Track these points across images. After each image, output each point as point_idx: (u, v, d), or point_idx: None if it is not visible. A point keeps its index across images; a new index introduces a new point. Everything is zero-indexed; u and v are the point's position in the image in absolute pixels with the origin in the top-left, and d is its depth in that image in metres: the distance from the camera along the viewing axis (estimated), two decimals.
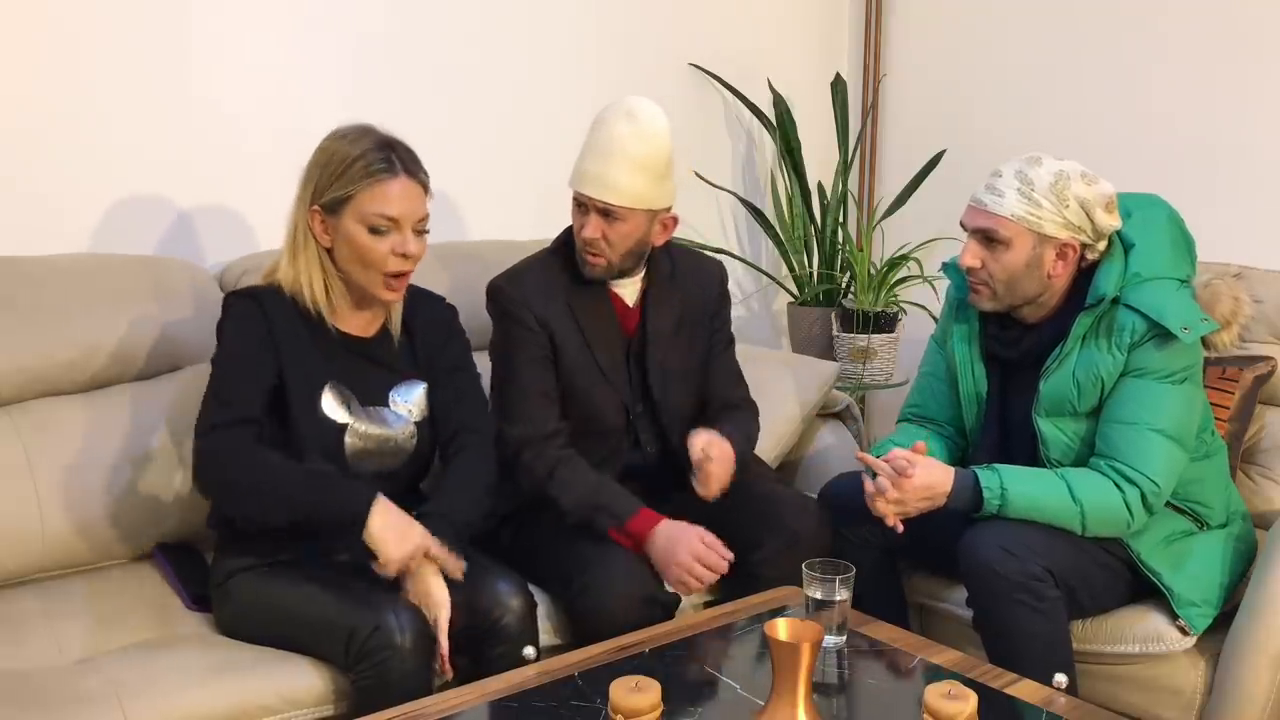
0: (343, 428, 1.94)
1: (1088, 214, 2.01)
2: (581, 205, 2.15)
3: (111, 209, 2.42)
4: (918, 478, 2.02)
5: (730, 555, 2.08)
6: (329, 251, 1.93)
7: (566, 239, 2.26)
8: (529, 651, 1.75)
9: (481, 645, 1.85)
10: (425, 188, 1.94)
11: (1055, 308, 2.10)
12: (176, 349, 2.26)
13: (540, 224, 2.61)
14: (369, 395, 1.99)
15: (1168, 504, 2.12)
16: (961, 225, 2.10)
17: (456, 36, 2.86)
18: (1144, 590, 2.07)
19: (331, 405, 1.94)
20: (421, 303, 2.09)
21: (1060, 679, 1.66)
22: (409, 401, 2.03)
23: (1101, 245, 2.06)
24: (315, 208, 1.91)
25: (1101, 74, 3.09)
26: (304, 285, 1.93)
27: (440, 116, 2.83)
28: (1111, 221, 2.03)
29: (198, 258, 2.48)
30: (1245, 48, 2.83)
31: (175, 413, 2.19)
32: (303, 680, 1.81)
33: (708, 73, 3.32)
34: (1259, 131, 2.83)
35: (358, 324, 2.00)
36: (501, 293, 2.22)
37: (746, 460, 2.27)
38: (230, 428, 1.85)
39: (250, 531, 1.90)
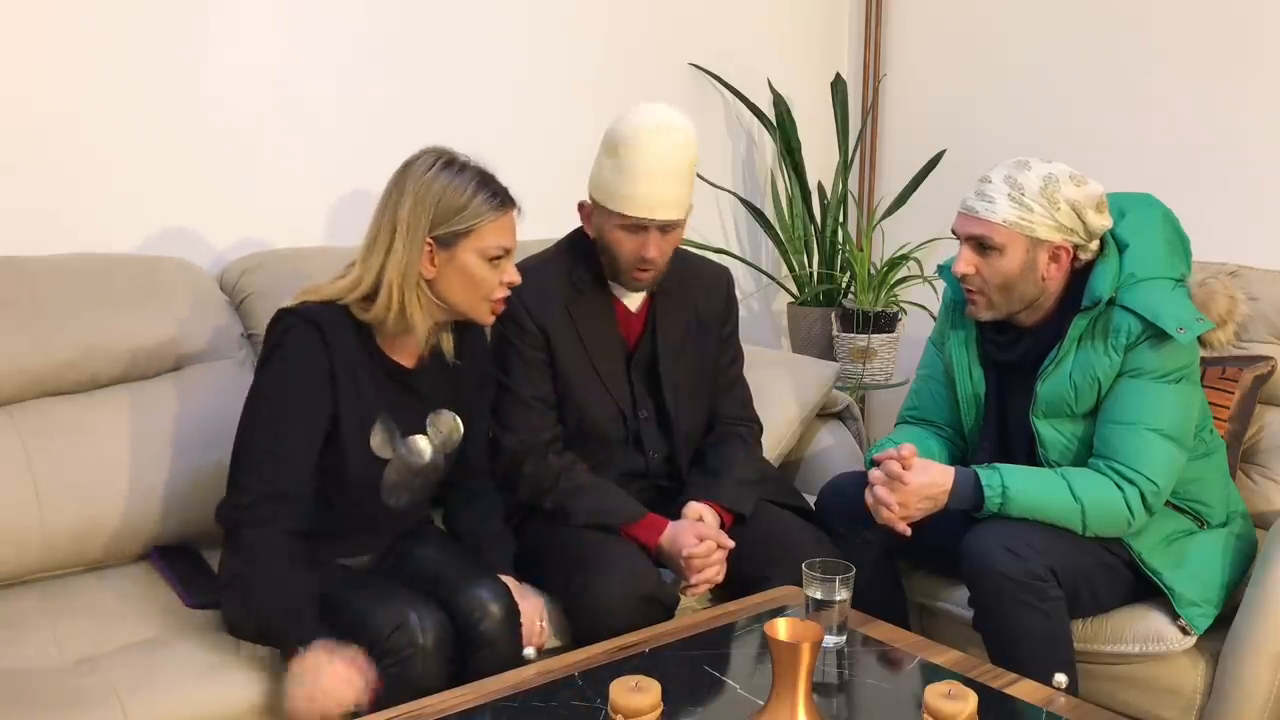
0: (385, 463, 1.95)
1: (1079, 215, 2.00)
2: (634, 227, 2.11)
3: (112, 209, 2.42)
4: (916, 479, 2.02)
5: (730, 543, 2.10)
6: (429, 282, 1.92)
7: (570, 244, 2.26)
8: (529, 652, 1.76)
9: (464, 649, 1.85)
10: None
11: (1050, 310, 2.10)
12: (176, 349, 2.26)
13: (540, 224, 2.59)
14: (409, 426, 1.98)
15: (1168, 503, 2.12)
16: (953, 233, 2.10)
17: (456, 37, 2.86)
18: (1144, 590, 2.07)
19: (379, 440, 1.93)
20: (465, 331, 2.07)
21: (1060, 679, 1.66)
22: (442, 433, 2.02)
23: (1094, 245, 2.05)
24: (429, 241, 1.89)
25: (1100, 74, 3.10)
26: (406, 317, 1.90)
27: (440, 116, 2.83)
28: (1103, 221, 2.03)
29: (198, 258, 2.48)
30: (1244, 47, 2.83)
31: (175, 413, 2.19)
32: None
33: (708, 73, 3.32)
34: (1257, 131, 2.83)
35: (405, 353, 1.98)
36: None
37: (761, 483, 2.29)
38: (272, 506, 1.81)
39: None
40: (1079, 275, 2.07)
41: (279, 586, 1.79)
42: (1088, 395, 2.06)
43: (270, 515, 1.82)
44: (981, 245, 2.04)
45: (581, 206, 2.20)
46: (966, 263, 2.06)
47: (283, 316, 1.90)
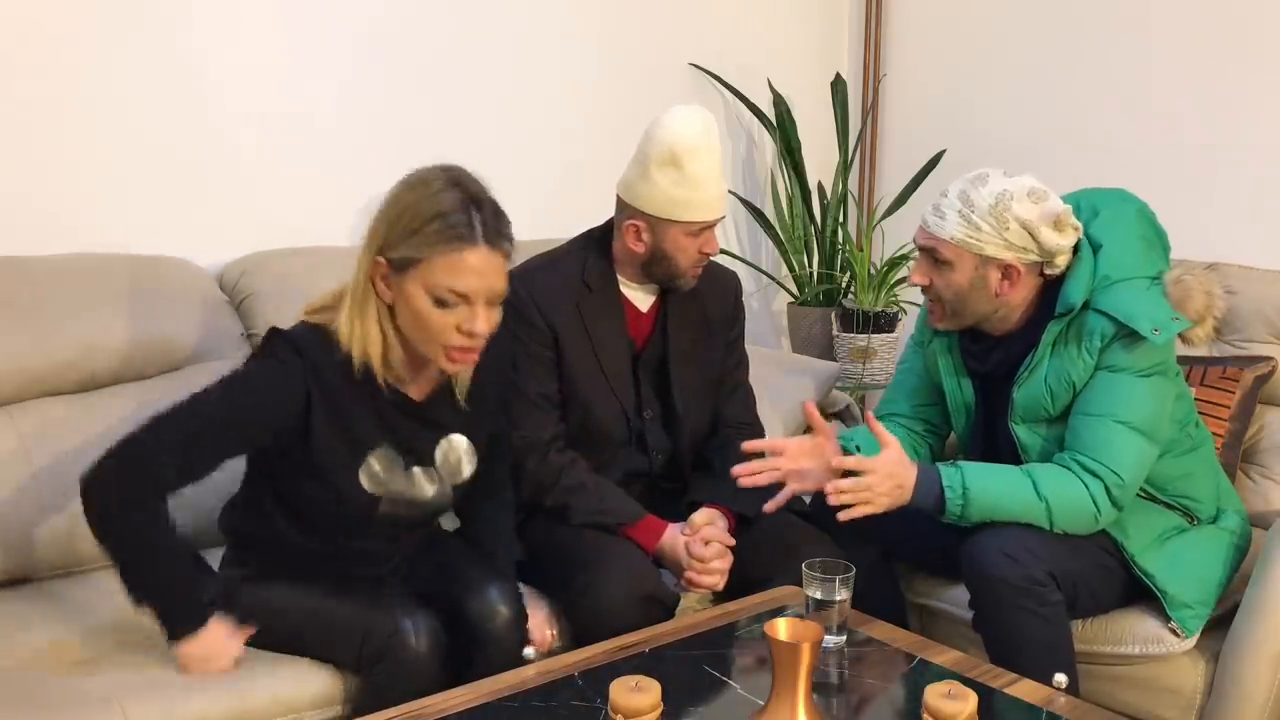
0: (377, 500, 1.81)
1: (1031, 234, 1.97)
2: (699, 229, 2.12)
3: (112, 209, 2.42)
4: (888, 460, 1.98)
5: (731, 540, 2.10)
6: (390, 308, 1.73)
7: (584, 243, 2.25)
8: (529, 652, 1.75)
9: (470, 648, 1.85)
10: (507, 256, 1.71)
11: (1023, 320, 2.08)
12: (176, 349, 2.26)
13: (538, 223, 2.60)
14: (416, 457, 1.85)
15: (1158, 501, 2.11)
16: (914, 242, 2.10)
17: (455, 38, 2.86)
18: (1141, 591, 2.06)
19: (373, 475, 1.79)
20: (484, 359, 1.82)
21: (1060, 679, 1.65)
22: (452, 461, 1.89)
23: (1061, 260, 2.01)
24: (380, 259, 1.69)
25: (1100, 73, 3.10)
26: (363, 346, 1.73)
27: (439, 117, 2.83)
28: (1061, 240, 1.98)
29: (198, 258, 2.48)
30: (1243, 48, 2.83)
31: None
32: (303, 683, 1.81)
33: (708, 73, 3.32)
34: (1256, 131, 2.83)
35: (412, 384, 1.83)
36: (512, 291, 2.21)
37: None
38: (160, 461, 1.67)
39: (259, 537, 1.89)
40: (1053, 284, 2.05)
41: (178, 566, 1.75)
42: (1064, 398, 2.04)
43: (158, 473, 1.68)
44: (934, 258, 2.04)
45: (629, 229, 2.13)
46: (920, 274, 2.07)
47: (271, 337, 1.78)
